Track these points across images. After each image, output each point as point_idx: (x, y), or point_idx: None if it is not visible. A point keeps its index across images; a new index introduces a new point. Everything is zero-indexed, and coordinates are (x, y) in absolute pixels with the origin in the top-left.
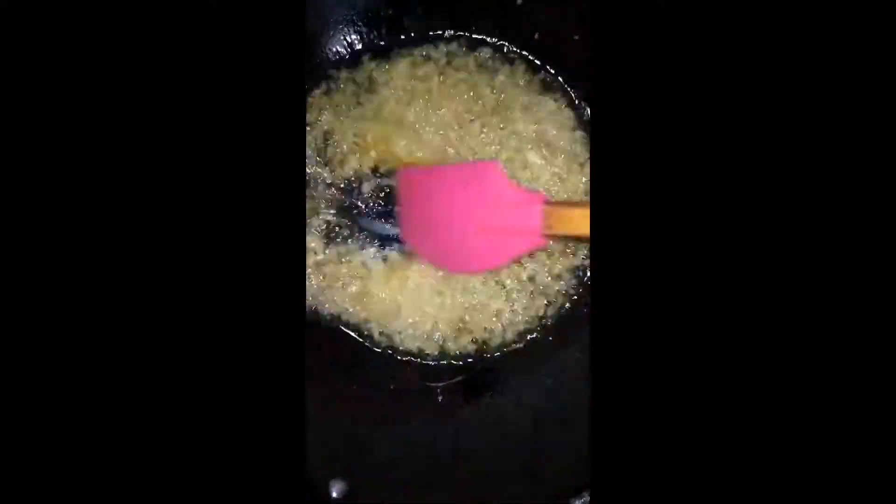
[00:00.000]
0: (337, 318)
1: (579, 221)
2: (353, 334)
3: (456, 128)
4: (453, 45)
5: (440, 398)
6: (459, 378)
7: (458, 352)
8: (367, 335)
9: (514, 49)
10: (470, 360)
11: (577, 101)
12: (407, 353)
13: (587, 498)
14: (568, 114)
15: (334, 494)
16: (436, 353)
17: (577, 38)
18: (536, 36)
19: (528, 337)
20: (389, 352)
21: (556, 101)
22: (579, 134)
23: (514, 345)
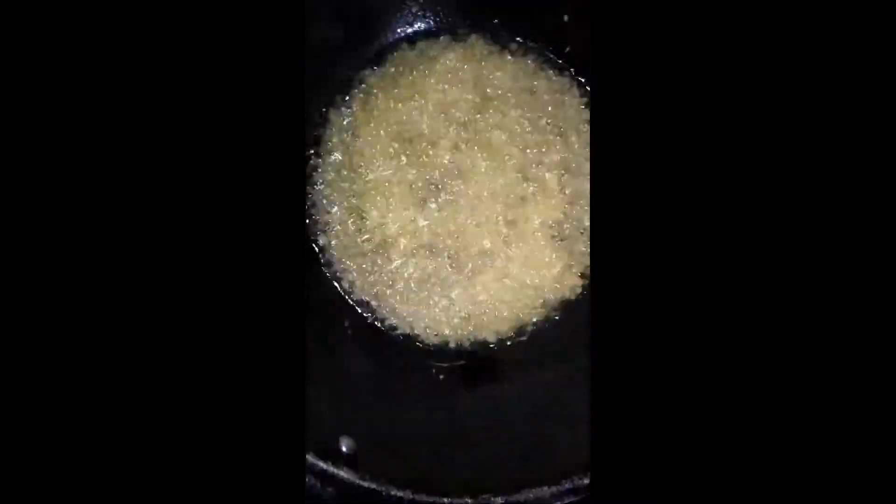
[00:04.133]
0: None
1: None
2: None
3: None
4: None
5: (441, 377)
6: (461, 362)
7: (461, 341)
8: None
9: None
10: (473, 349)
11: None
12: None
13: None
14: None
15: (344, 449)
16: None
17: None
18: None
19: (530, 330)
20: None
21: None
22: None
23: (516, 338)
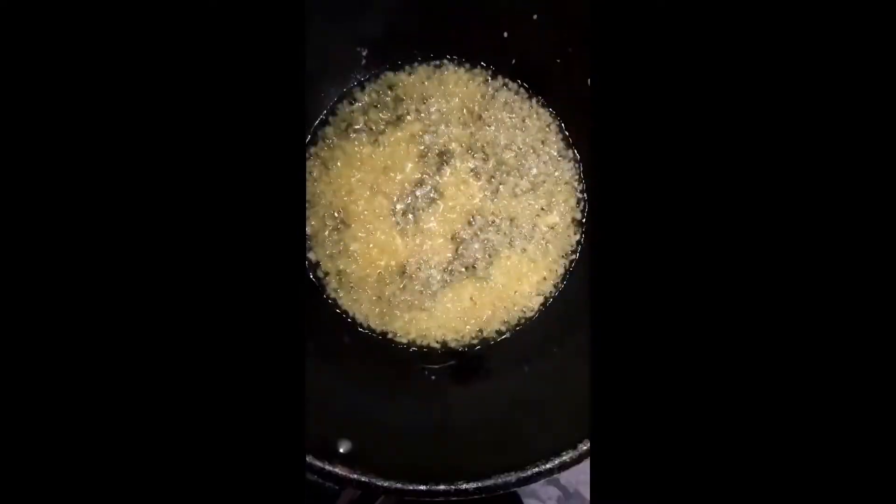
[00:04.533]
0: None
1: None
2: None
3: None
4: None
5: (433, 378)
6: (452, 363)
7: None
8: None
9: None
10: (464, 349)
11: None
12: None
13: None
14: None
15: (342, 450)
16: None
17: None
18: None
19: (516, 329)
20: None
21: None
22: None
23: (500, 336)
